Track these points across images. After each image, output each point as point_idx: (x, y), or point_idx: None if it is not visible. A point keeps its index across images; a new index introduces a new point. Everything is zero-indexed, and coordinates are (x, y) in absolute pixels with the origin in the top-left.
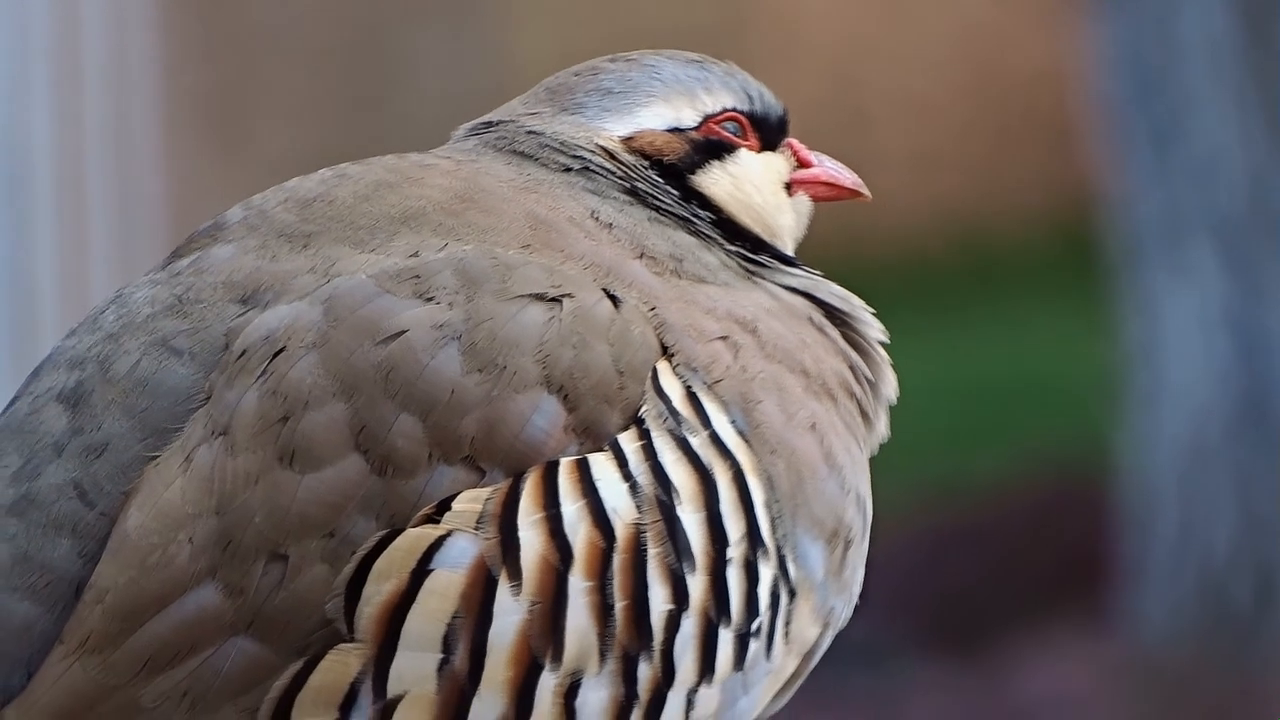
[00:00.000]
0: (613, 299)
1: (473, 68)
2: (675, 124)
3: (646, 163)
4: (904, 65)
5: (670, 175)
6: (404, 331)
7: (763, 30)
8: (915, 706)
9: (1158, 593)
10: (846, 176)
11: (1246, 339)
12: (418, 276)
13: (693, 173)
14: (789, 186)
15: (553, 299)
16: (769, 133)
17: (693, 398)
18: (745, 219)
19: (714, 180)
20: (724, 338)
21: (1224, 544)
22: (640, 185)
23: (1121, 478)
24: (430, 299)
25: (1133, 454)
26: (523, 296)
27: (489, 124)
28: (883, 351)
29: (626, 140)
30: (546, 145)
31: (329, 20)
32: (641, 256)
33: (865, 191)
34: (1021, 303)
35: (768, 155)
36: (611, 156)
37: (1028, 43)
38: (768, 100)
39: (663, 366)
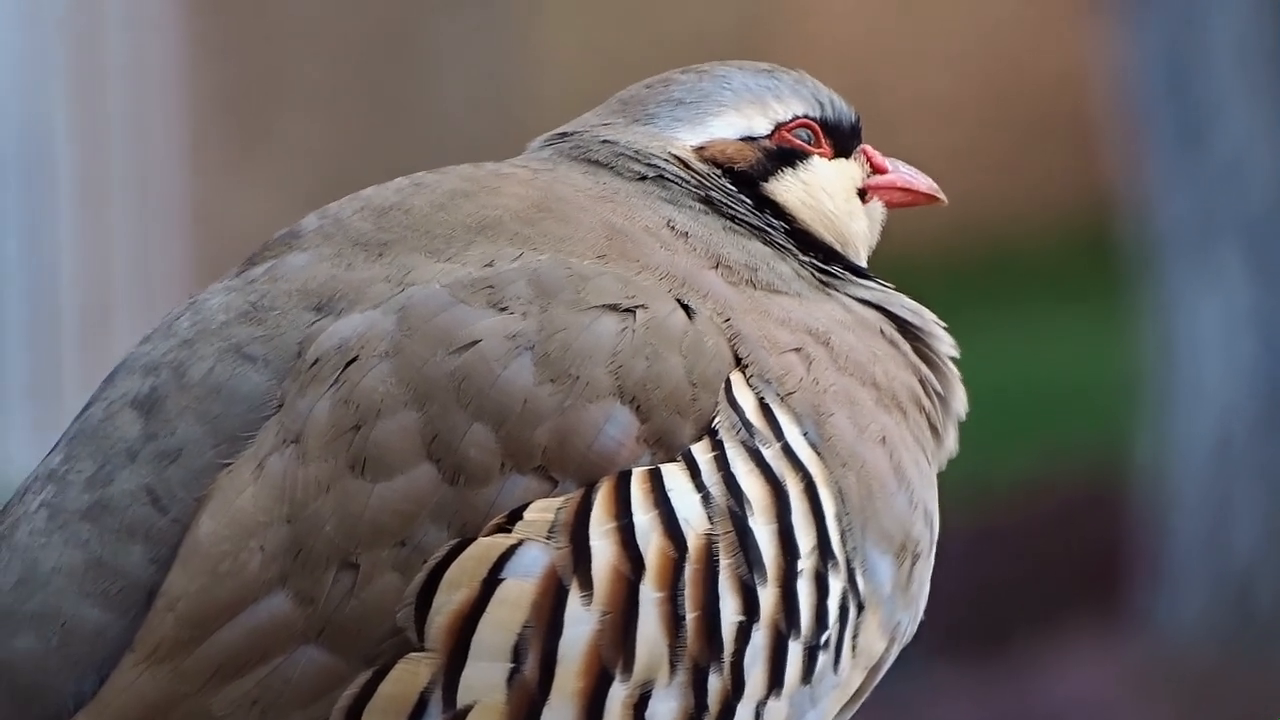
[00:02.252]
0: (686, 310)
1: (497, 62)
2: (747, 132)
3: (719, 171)
4: (925, 66)
5: (743, 183)
6: (477, 341)
7: (783, 31)
8: (939, 708)
9: (1182, 594)
10: (922, 181)
11: (1271, 340)
12: (491, 286)
13: (765, 180)
14: (864, 193)
15: (626, 310)
16: (842, 139)
17: (766, 409)
18: (818, 227)
19: (786, 188)
20: (797, 349)
21: (1248, 546)
22: (714, 194)
23: (1145, 480)
24: (504, 309)
25: (1157, 456)
26: (596, 307)
27: (563, 134)
28: (953, 367)
29: (699, 149)
30: (621, 154)
31: (353, 15)
32: (717, 266)
33: (942, 196)
34: (1045, 304)
35: (841, 162)
36: (685, 165)
37: (1051, 43)
38: (839, 107)
39: (736, 378)
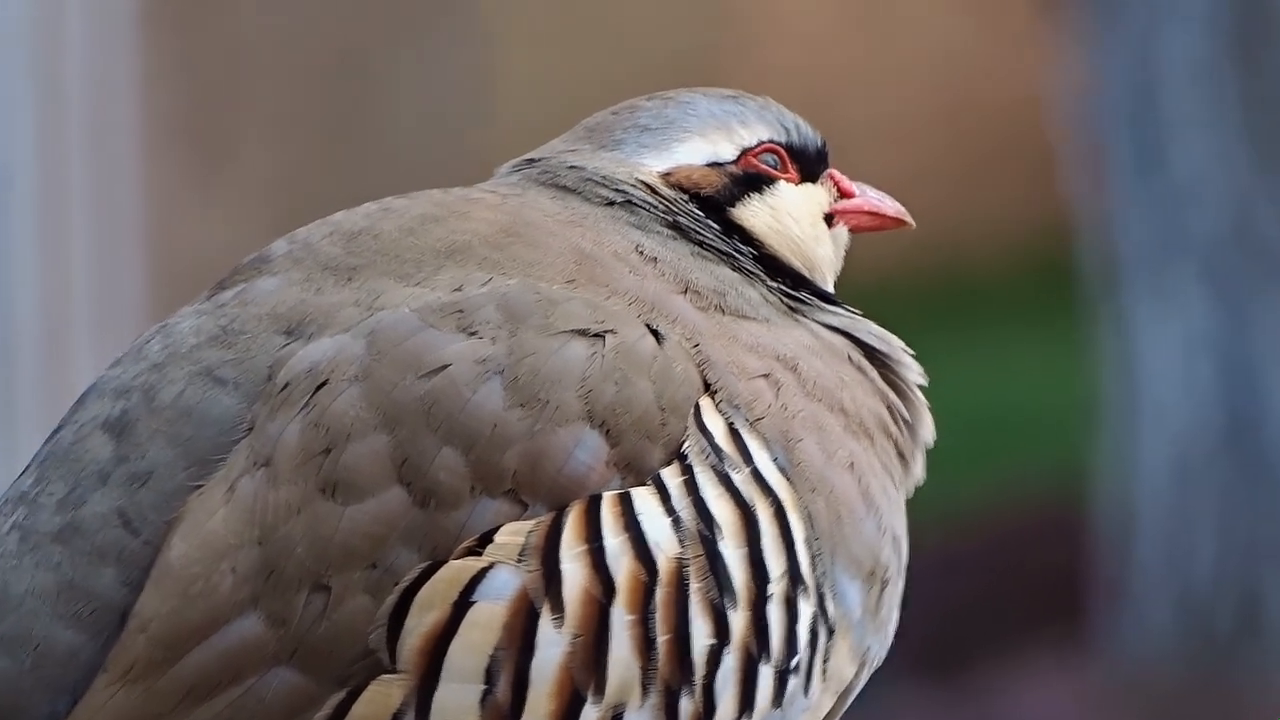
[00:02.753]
0: (656, 335)
1: (452, 89)
2: (714, 158)
3: (686, 197)
4: (881, 90)
5: (710, 209)
6: (447, 365)
7: (738, 55)
8: None
9: (1140, 617)
10: (890, 205)
11: (1228, 364)
12: (461, 311)
13: (732, 206)
14: (830, 218)
15: (595, 335)
16: (808, 164)
17: (735, 434)
18: (785, 252)
19: (753, 213)
20: (766, 375)
21: (1206, 568)
22: (682, 219)
23: (1105, 502)
24: (473, 333)
25: (1114, 479)
26: (565, 332)
27: (531, 160)
28: (920, 394)
29: (665, 175)
30: (589, 179)
31: (309, 41)
32: (686, 291)
33: (909, 219)
34: (1003, 328)
35: (808, 187)
36: (652, 191)
37: (1008, 66)
38: (805, 132)
39: (705, 403)
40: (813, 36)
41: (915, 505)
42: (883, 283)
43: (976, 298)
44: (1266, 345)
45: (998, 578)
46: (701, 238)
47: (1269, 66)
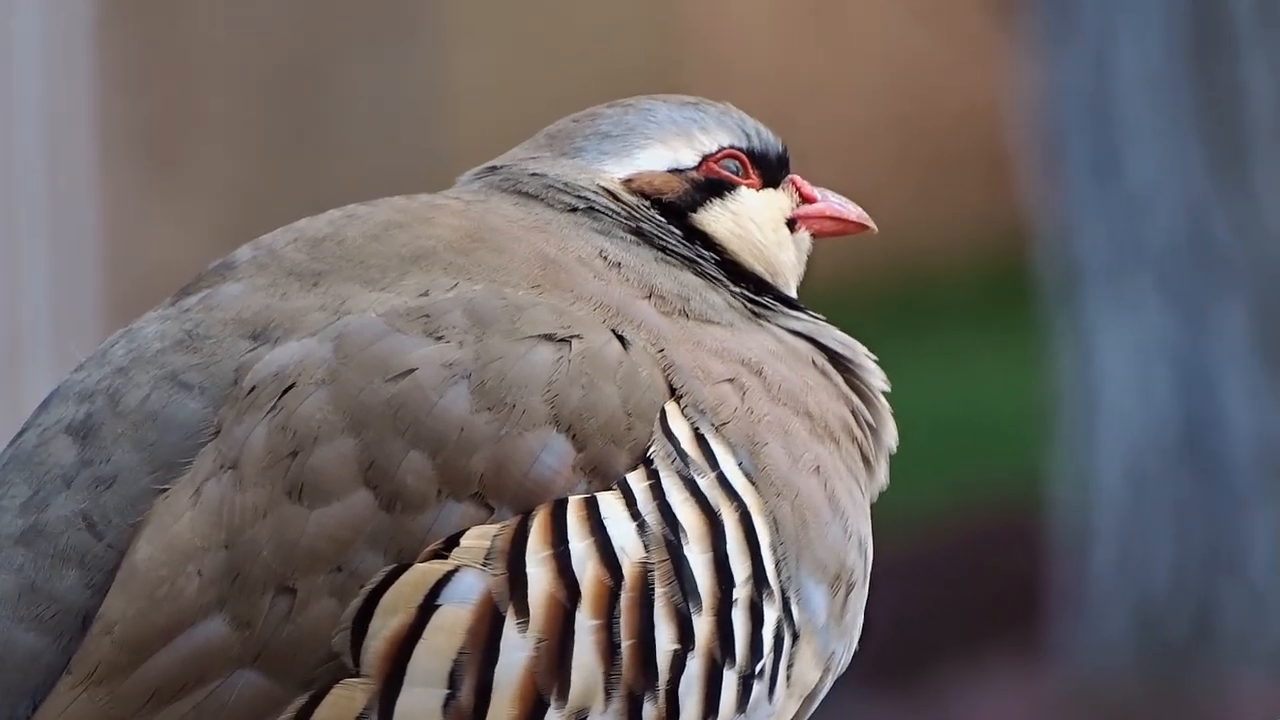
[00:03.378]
0: (621, 340)
1: (408, 95)
2: (674, 164)
3: (648, 203)
4: (837, 98)
5: (672, 215)
6: (413, 370)
7: (697, 62)
8: None
9: (1095, 625)
10: (851, 210)
11: (1184, 372)
12: (427, 315)
13: (694, 211)
14: (793, 223)
15: (562, 339)
16: (770, 170)
17: (700, 439)
18: (747, 257)
19: (715, 218)
20: (731, 380)
21: (1161, 576)
22: (645, 225)
23: (1060, 510)
24: (440, 338)
25: (1070, 487)
26: (532, 337)
27: (493, 168)
28: (884, 400)
29: (626, 181)
30: (551, 186)
31: (264, 49)
32: (650, 296)
33: (871, 224)
34: (957, 336)
35: (769, 192)
36: (614, 197)
37: (963, 75)
38: (766, 137)
39: (671, 408)
40: (769, 46)
41: (872, 511)
42: (841, 289)
43: (933, 304)
44: (1222, 352)
45: (954, 584)
46: (664, 243)
47: (1223, 75)
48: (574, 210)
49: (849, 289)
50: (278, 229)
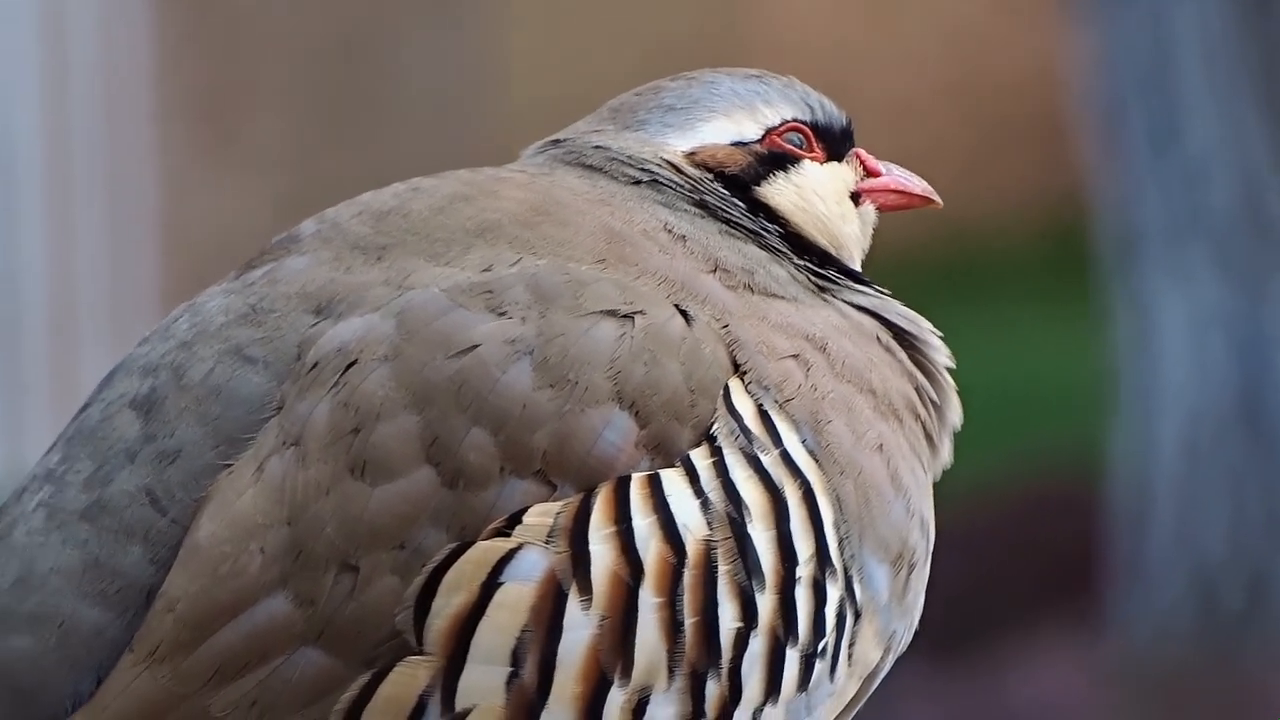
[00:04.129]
0: (685, 316)
1: (464, 66)
2: (738, 137)
3: (711, 176)
4: (891, 68)
5: (735, 188)
6: (476, 346)
7: (751, 35)
8: (907, 711)
9: (1150, 595)
10: (916, 184)
11: (1240, 340)
12: (490, 291)
13: (757, 185)
14: (856, 196)
15: (625, 315)
16: (834, 143)
17: (764, 416)
18: (810, 230)
19: (778, 191)
20: (795, 356)
21: (1217, 545)
22: (709, 198)
23: (1114, 480)
24: (503, 314)
25: (1125, 456)
26: (595, 313)
27: (556, 141)
28: (948, 377)
29: (690, 154)
30: (614, 159)
31: (320, 17)
32: (715, 270)
33: (936, 198)
34: (1012, 305)
35: (833, 165)
36: (677, 170)
37: (1017, 44)
38: (830, 110)
39: (735, 384)
40: (822, 16)
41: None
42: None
43: (988, 273)
44: (1276, 323)
45: (1009, 554)
46: (728, 216)
47: (1278, 42)
48: (637, 183)
49: (904, 259)
50: (342, 202)
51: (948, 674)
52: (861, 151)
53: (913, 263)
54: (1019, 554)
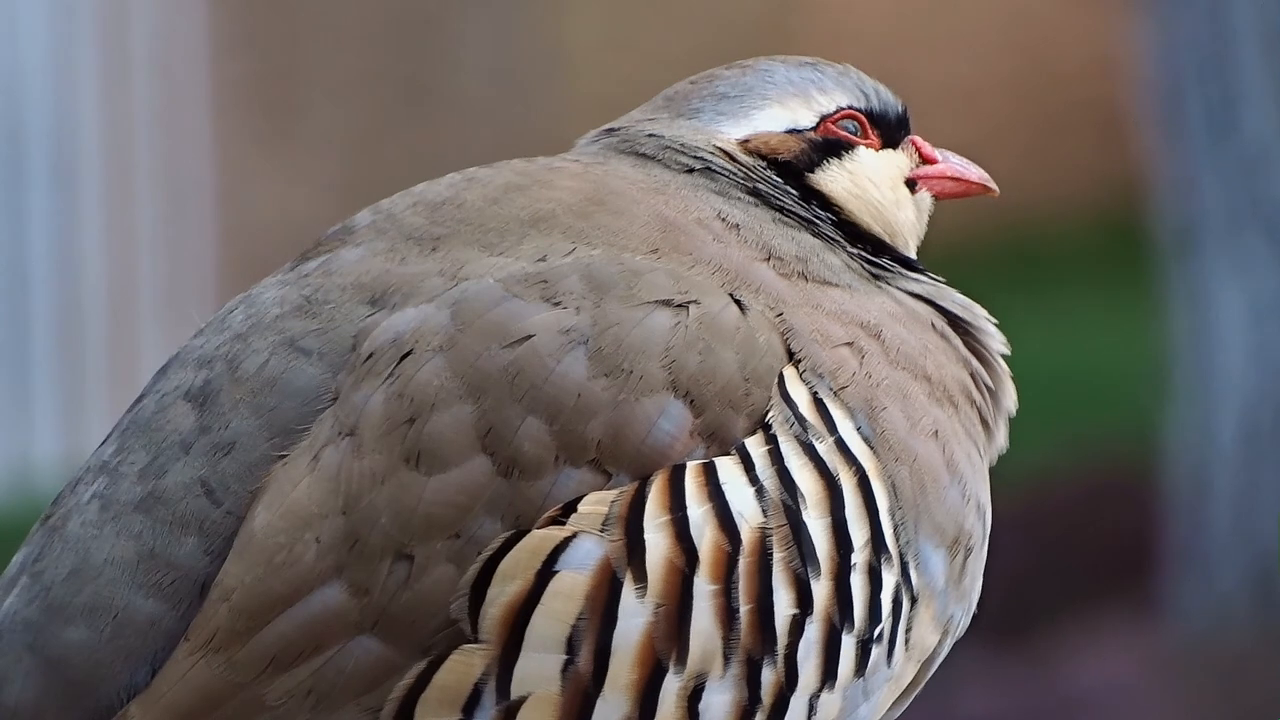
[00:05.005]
0: (739, 305)
1: (521, 52)
2: (792, 125)
3: (764, 164)
4: (950, 54)
5: (788, 175)
6: (531, 336)
7: (808, 21)
8: (964, 696)
9: (1207, 582)
10: (973, 171)
11: None
12: (545, 281)
13: (811, 172)
14: (913, 183)
15: (679, 305)
16: (889, 130)
17: (819, 404)
18: (865, 217)
19: (832, 178)
20: (850, 343)
21: (1273, 533)
22: (762, 185)
23: (1171, 467)
24: (557, 304)
25: (1182, 443)
26: (649, 303)
27: (610, 130)
28: (1003, 363)
29: (743, 142)
30: (668, 147)
31: (376, 4)
32: (769, 258)
33: (993, 186)
34: (1070, 292)
35: (888, 152)
36: (730, 158)
37: (1076, 30)
38: (885, 97)
39: (789, 372)
40: (880, 2)
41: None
42: (954, 247)
43: (1047, 261)
44: None
45: (1066, 541)
46: (781, 204)
47: None
48: (691, 171)
49: (962, 246)
50: (397, 193)
51: (1006, 660)
52: (918, 139)
53: (970, 250)
54: (1077, 540)
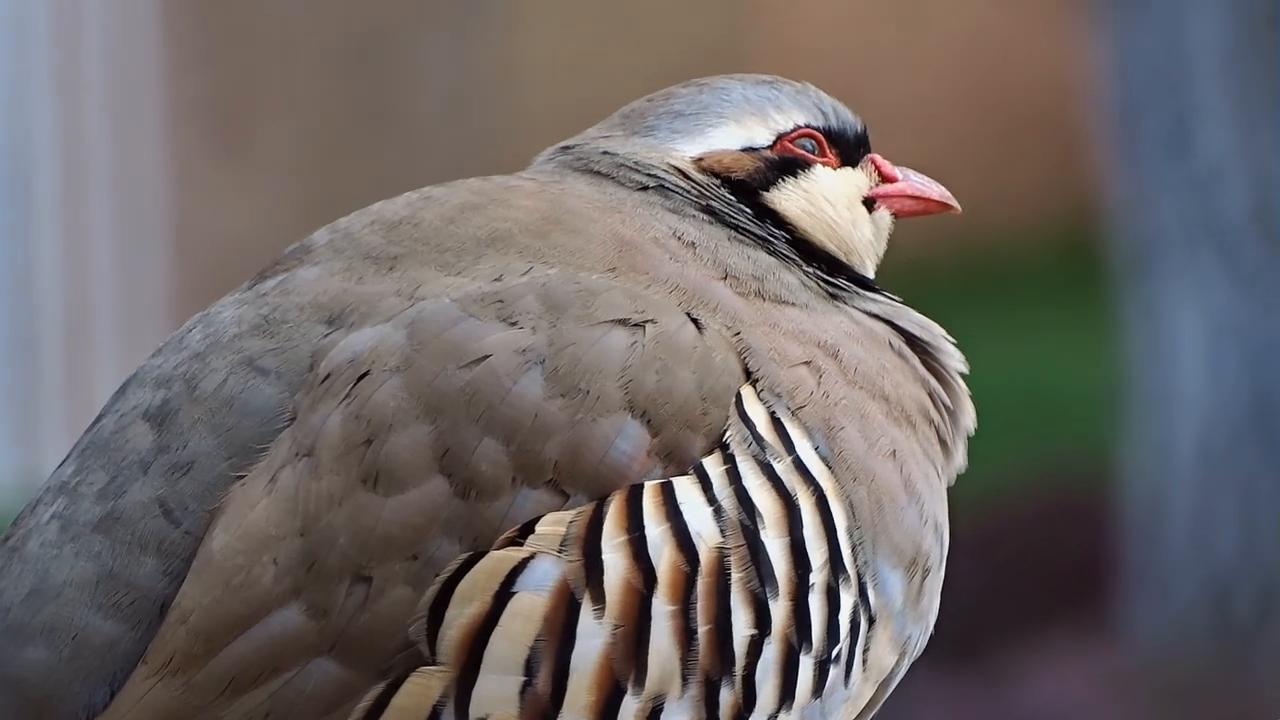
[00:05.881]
0: (696, 324)
1: (476, 71)
2: (748, 143)
3: (719, 182)
4: (908, 72)
5: (742, 194)
6: (488, 356)
7: (766, 38)
8: (919, 716)
9: (1162, 601)
10: (934, 189)
11: (1252, 348)
12: (501, 301)
13: (766, 190)
14: (871, 202)
15: (636, 324)
16: (848, 148)
17: (777, 423)
18: (819, 235)
19: (786, 197)
20: (807, 363)
21: (1229, 552)
22: (715, 204)
23: (1126, 486)
24: (514, 323)
25: (1137, 462)
26: (606, 322)
27: (566, 148)
28: (961, 382)
29: (697, 160)
30: (622, 165)
31: (332, 23)
32: (726, 277)
33: (954, 203)
34: (1025, 310)
35: (846, 171)
36: (684, 176)
37: (1033, 50)
38: (844, 116)
39: (747, 392)
40: (838, 20)
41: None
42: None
43: (1003, 279)
44: None
45: (1019, 561)
46: (736, 222)
47: None
48: (645, 189)
49: (917, 264)
50: (354, 212)
51: (960, 679)
52: (877, 157)
53: (927, 269)
54: (1032, 559)
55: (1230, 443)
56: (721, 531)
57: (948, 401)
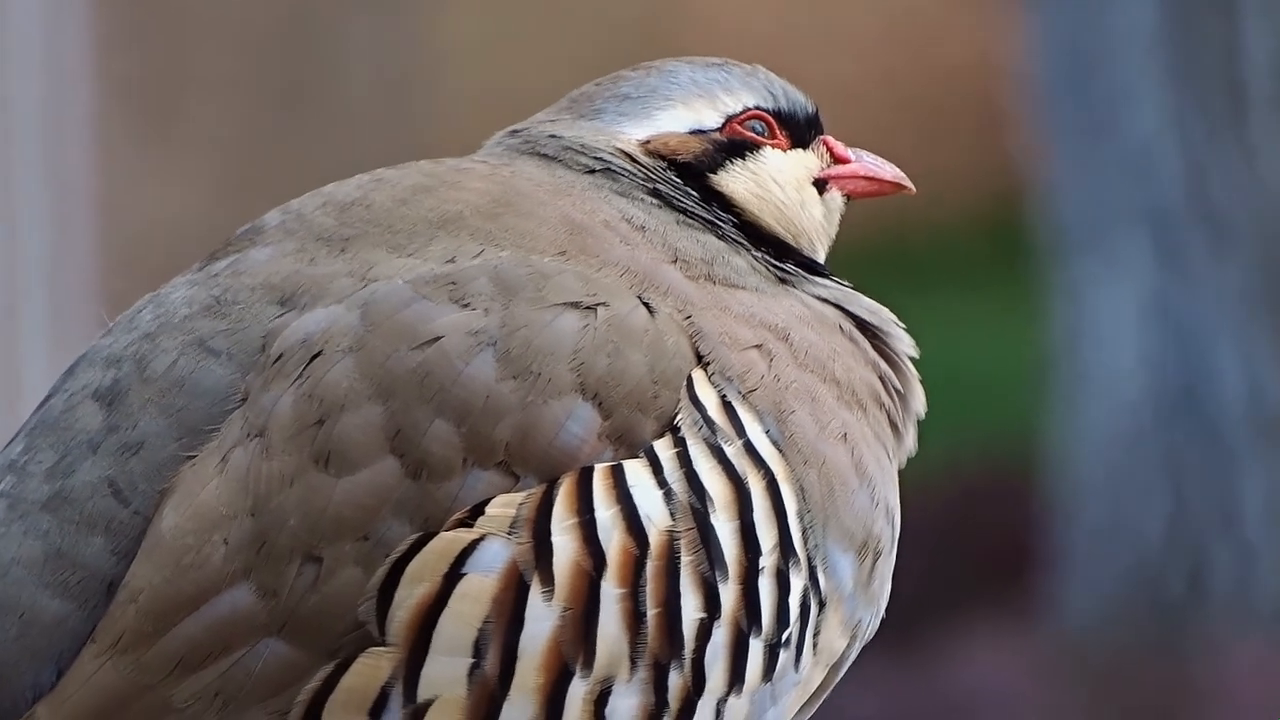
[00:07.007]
0: (647, 307)
1: (401, 54)
2: (696, 125)
3: (665, 165)
4: (831, 53)
5: (689, 177)
6: (440, 337)
7: (688, 19)
8: (846, 701)
9: (1088, 582)
10: (887, 170)
11: (1177, 329)
12: (454, 283)
13: (714, 173)
14: (823, 184)
15: (587, 307)
16: (798, 130)
17: (728, 406)
18: (768, 218)
19: (734, 179)
20: (758, 346)
21: (1155, 533)
22: (662, 187)
23: (1052, 467)
24: (466, 305)
25: (1062, 444)
26: (558, 305)
27: (515, 131)
28: (911, 366)
29: (644, 143)
30: (568, 148)
31: (259, 6)
32: (676, 261)
33: (909, 184)
34: (948, 293)
35: (797, 153)
36: (631, 159)
37: (957, 31)
38: (794, 98)
39: (698, 375)
40: (759, 2)
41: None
42: (833, 246)
43: (925, 261)
44: (1215, 311)
45: (944, 544)
46: (683, 205)
47: (1219, 30)
48: (592, 172)
49: (842, 246)
50: (306, 193)
51: (886, 663)
52: (830, 139)
53: (851, 251)
54: (958, 543)
55: (1158, 423)
56: (671, 515)
57: (898, 385)
